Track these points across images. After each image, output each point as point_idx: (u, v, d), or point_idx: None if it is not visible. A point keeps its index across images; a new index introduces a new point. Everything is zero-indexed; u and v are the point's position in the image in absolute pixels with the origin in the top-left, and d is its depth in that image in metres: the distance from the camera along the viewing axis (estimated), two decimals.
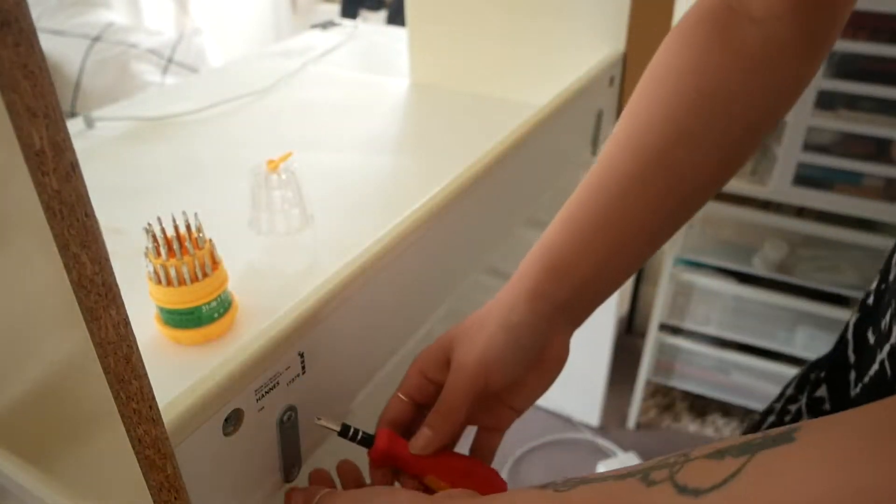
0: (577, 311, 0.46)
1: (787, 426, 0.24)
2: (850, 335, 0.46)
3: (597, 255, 0.44)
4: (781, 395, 0.55)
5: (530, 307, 0.43)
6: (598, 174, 0.45)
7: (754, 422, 0.57)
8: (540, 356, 0.44)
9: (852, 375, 0.42)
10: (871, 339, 0.42)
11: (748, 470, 0.23)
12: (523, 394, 0.45)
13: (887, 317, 0.40)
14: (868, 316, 0.44)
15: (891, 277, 0.42)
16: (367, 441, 0.42)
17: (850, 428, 0.22)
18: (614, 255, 0.45)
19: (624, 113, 0.46)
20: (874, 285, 0.46)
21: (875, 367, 0.39)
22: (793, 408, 0.50)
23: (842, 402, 0.43)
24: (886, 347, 0.38)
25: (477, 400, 0.43)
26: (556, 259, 0.44)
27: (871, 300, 0.45)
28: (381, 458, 0.42)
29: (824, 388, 0.46)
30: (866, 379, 0.40)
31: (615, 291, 0.47)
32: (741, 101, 0.43)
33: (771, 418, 0.52)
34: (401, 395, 0.45)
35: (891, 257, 0.44)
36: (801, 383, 0.51)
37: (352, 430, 0.42)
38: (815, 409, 0.46)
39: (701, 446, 0.26)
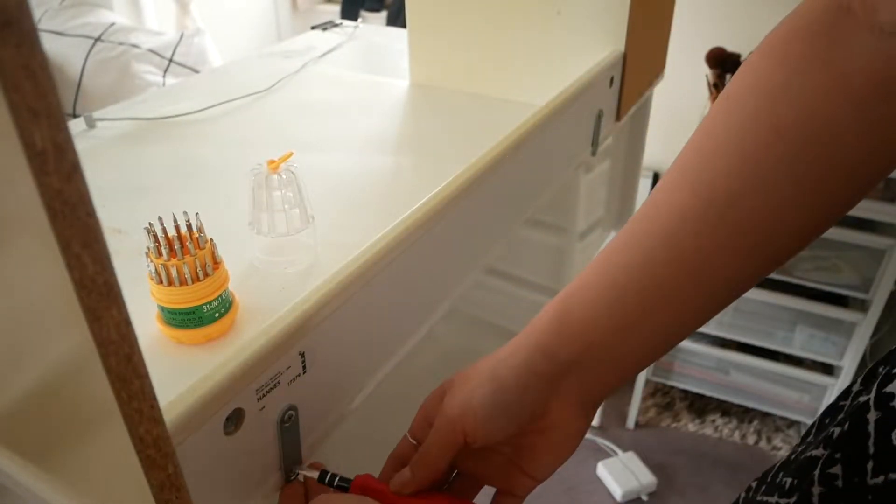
0: (590, 378, 0.38)
1: None
2: (871, 428, 0.39)
3: (623, 310, 0.36)
4: (847, 392, 0.47)
5: (524, 361, 0.38)
6: (643, 213, 0.37)
7: (815, 423, 0.50)
8: (540, 421, 0.39)
9: (870, 465, 0.37)
10: None
11: None
12: (536, 460, 0.40)
13: None
14: (892, 418, 0.38)
15: None
16: (343, 488, 0.43)
17: None
18: (647, 312, 0.36)
19: (686, 144, 0.38)
20: None
21: None
22: (863, 398, 0.42)
23: (856, 482, 0.38)
24: None
25: (460, 452, 0.40)
26: (570, 309, 0.37)
27: (895, 403, 0.39)
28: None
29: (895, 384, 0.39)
30: (892, 476, 0.35)
31: (645, 365, 0.38)
32: (842, 139, 0.33)
33: (840, 417, 0.45)
34: (408, 435, 0.45)
35: None
36: (869, 377, 0.43)
37: (329, 475, 0.43)
38: (882, 405, 0.39)
39: None
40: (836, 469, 0.39)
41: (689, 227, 0.35)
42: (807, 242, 0.36)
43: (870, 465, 0.37)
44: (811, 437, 0.47)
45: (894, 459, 0.36)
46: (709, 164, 0.36)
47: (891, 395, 0.39)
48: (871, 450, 0.38)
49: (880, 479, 0.36)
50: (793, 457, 0.46)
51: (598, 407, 0.40)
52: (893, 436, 0.37)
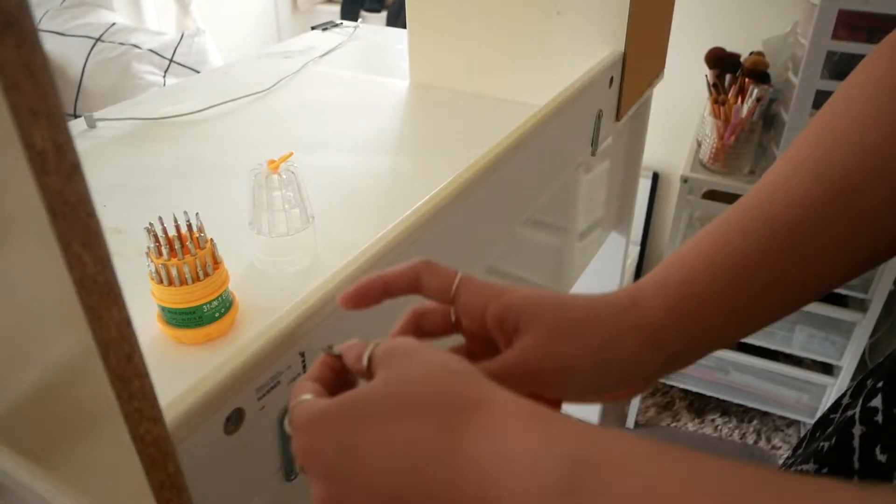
0: (676, 361, 0.36)
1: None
2: (856, 443, 0.39)
3: (735, 303, 0.35)
4: (837, 404, 0.47)
5: (634, 351, 0.35)
6: (756, 197, 0.36)
7: (806, 436, 0.49)
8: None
9: (856, 479, 0.37)
10: (883, 458, 0.36)
11: None
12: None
13: None
14: (876, 433, 0.38)
15: None
16: None
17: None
18: (754, 303, 0.35)
19: (801, 135, 0.38)
20: (880, 403, 0.39)
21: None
22: (850, 413, 0.42)
23: (892, 415, 0.38)
24: None
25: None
26: (687, 302, 0.35)
27: (879, 418, 0.38)
28: None
29: (879, 398, 0.39)
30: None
31: (735, 341, 0.37)
32: None
33: (829, 430, 0.45)
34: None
35: None
36: (857, 390, 0.44)
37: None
38: (868, 420, 0.39)
39: None
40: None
41: (810, 216, 0.34)
42: None
43: (855, 480, 0.38)
44: (801, 449, 0.47)
45: (879, 474, 0.36)
46: (829, 154, 0.35)
47: (875, 410, 0.38)
48: (857, 465, 0.38)
49: None
50: (783, 470, 0.46)
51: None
52: (877, 451, 0.37)
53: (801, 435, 0.48)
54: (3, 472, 0.40)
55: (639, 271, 1.90)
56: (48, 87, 0.20)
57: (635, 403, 1.72)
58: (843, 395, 0.45)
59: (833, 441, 0.41)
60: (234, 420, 0.40)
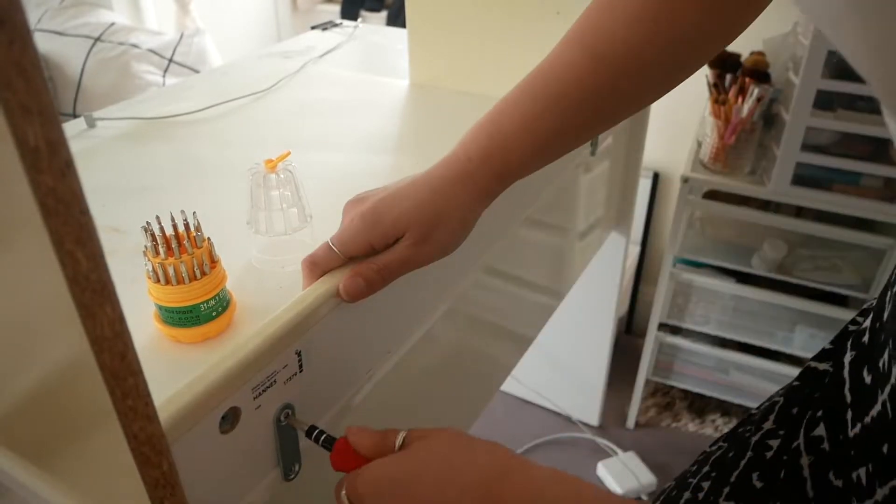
0: (502, 179, 0.50)
1: None
2: (846, 374, 0.42)
3: (547, 157, 0.52)
4: (750, 418, 0.50)
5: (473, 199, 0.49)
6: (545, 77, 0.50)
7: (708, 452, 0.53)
8: None
9: (849, 415, 0.39)
10: (868, 378, 0.39)
11: None
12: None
13: (885, 356, 0.37)
14: (864, 355, 0.41)
15: (885, 316, 0.40)
16: (328, 444, 0.42)
17: None
18: (564, 151, 0.53)
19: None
20: (868, 324, 0.43)
21: (877, 407, 0.37)
22: (775, 444, 0.45)
23: (839, 441, 0.40)
24: (887, 389, 0.36)
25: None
26: (511, 163, 0.50)
27: (865, 339, 0.42)
28: (339, 464, 0.41)
29: (822, 426, 0.42)
30: (867, 419, 0.38)
31: (526, 163, 0.52)
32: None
33: (749, 454, 0.47)
34: (333, 247, 0.46)
35: (884, 296, 0.41)
36: (784, 418, 0.46)
37: (316, 431, 0.43)
38: (814, 449, 0.42)
39: None
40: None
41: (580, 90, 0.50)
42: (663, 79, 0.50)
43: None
44: (730, 485, 0.47)
45: (836, 499, 0.38)
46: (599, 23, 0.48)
47: (820, 439, 0.41)
48: (811, 494, 0.40)
49: None
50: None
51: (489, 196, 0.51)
52: (831, 476, 0.38)
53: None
54: (2, 473, 0.40)
55: (639, 271, 1.90)
56: (40, 84, 0.20)
57: (636, 403, 1.72)
58: (758, 411, 0.49)
59: (782, 474, 0.43)
60: (230, 419, 0.40)
